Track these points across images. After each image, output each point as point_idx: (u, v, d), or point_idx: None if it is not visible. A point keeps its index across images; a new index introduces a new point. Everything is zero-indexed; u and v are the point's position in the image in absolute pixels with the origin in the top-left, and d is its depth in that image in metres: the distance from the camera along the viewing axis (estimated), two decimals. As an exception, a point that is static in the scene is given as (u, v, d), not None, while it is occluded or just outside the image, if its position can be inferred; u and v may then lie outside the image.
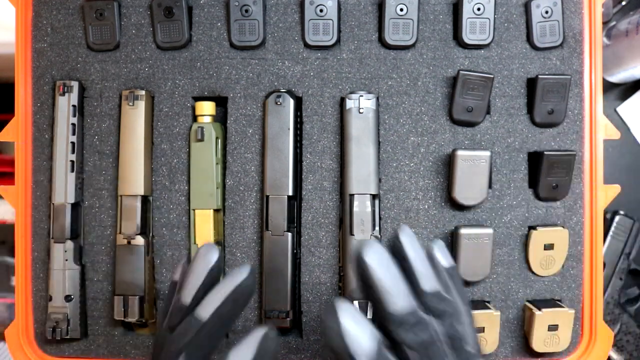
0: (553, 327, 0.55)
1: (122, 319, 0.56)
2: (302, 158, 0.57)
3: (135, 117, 0.56)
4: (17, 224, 0.58)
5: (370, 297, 0.38)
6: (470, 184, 0.55)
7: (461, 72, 0.55)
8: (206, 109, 0.57)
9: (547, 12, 0.56)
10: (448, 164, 0.56)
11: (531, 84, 0.57)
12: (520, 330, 0.58)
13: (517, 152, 0.57)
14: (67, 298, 0.56)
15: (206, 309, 0.41)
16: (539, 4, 0.56)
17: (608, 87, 0.76)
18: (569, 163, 0.56)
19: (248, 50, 0.58)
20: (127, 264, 0.56)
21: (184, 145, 0.58)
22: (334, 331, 0.36)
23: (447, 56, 0.57)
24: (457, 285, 0.42)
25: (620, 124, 0.76)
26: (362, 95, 0.56)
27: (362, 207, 0.55)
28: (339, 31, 0.57)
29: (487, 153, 0.54)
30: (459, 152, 0.54)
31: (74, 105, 0.57)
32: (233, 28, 0.57)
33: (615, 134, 0.57)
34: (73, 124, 0.57)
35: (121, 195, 0.56)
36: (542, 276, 0.57)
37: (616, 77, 0.74)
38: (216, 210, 0.57)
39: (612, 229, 0.73)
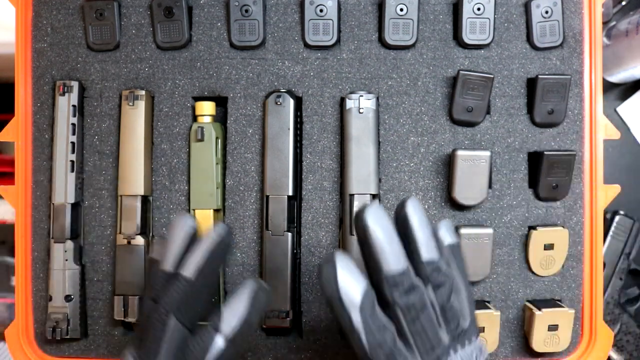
0: (553, 327, 0.55)
1: (122, 319, 0.56)
2: (302, 158, 0.57)
3: (135, 117, 0.56)
4: (17, 224, 0.58)
5: (366, 257, 0.39)
6: (470, 184, 0.55)
7: (461, 72, 0.55)
8: (206, 109, 0.57)
9: (547, 12, 0.56)
10: (448, 164, 0.56)
11: (531, 84, 0.57)
12: (520, 330, 0.58)
13: (517, 152, 0.57)
14: (67, 298, 0.56)
15: (190, 269, 0.42)
16: (539, 4, 0.56)
17: (608, 87, 0.76)
18: (569, 163, 0.56)
19: (248, 50, 0.58)
20: (127, 264, 0.56)
21: (184, 145, 0.58)
22: (329, 280, 0.37)
23: (447, 56, 0.57)
24: (458, 262, 0.42)
25: (620, 124, 0.76)
26: (362, 95, 0.56)
27: (362, 207, 0.55)
28: (339, 31, 0.57)
29: (487, 153, 0.54)
30: (459, 152, 0.54)
31: (74, 105, 0.57)
32: (233, 28, 0.57)
33: (615, 134, 0.57)
34: (73, 124, 0.57)
35: (121, 195, 0.56)
36: (542, 276, 0.57)
37: (616, 77, 0.74)
38: (216, 210, 0.57)
39: (612, 229, 0.73)
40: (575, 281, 0.58)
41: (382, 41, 0.57)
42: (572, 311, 0.56)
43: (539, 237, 0.56)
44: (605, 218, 0.72)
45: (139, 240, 0.56)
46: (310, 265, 0.57)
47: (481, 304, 0.57)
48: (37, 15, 0.58)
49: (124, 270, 0.56)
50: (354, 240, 0.55)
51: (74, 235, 0.57)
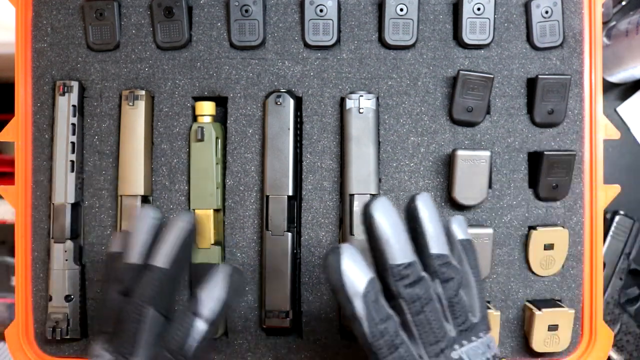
0: (553, 327, 0.55)
1: (122, 319, 0.56)
2: (302, 158, 0.57)
3: (135, 117, 0.56)
4: (17, 224, 0.58)
5: (373, 249, 0.40)
6: (470, 184, 0.55)
7: (461, 72, 0.55)
8: (206, 109, 0.57)
9: (547, 12, 0.56)
10: (448, 164, 0.56)
11: (531, 84, 0.57)
12: (520, 330, 0.58)
13: (517, 152, 0.57)
14: (67, 298, 0.56)
15: (163, 258, 0.42)
16: (539, 4, 0.56)
17: (608, 87, 0.76)
18: (569, 163, 0.56)
19: (248, 50, 0.58)
20: (127, 264, 0.56)
21: (184, 145, 0.58)
22: (334, 269, 0.38)
23: (447, 56, 0.57)
24: (470, 258, 0.42)
25: (620, 124, 0.76)
26: (362, 95, 0.56)
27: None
28: (339, 31, 0.57)
29: (487, 153, 0.54)
30: (459, 152, 0.54)
31: (74, 105, 0.57)
32: (233, 28, 0.57)
33: (615, 134, 0.57)
34: (73, 124, 0.57)
35: (121, 195, 0.56)
36: (542, 276, 0.57)
37: (616, 77, 0.74)
38: (216, 210, 0.57)
39: (612, 229, 0.73)
40: (575, 281, 0.58)
41: (382, 41, 0.57)
42: (572, 311, 0.56)
43: (539, 237, 0.56)
44: (605, 218, 0.72)
45: (139, 240, 0.56)
46: (310, 265, 0.57)
47: (481, 304, 0.57)
48: (37, 15, 0.58)
49: (124, 270, 0.56)
50: (354, 240, 0.55)
51: (74, 235, 0.57)
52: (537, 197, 0.57)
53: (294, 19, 0.57)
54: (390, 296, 0.39)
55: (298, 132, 0.58)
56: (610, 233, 0.73)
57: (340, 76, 0.57)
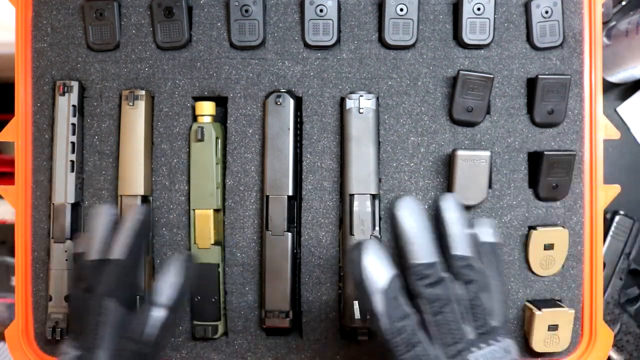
0: (553, 327, 0.55)
1: (122, 319, 0.56)
2: (302, 158, 0.57)
3: (135, 117, 0.56)
4: (17, 224, 0.58)
5: (398, 248, 0.40)
6: (470, 184, 0.55)
7: (461, 72, 0.55)
8: (206, 109, 0.57)
9: (547, 12, 0.56)
10: (448, 164, 0.56)
11: (531, 84, 0.57)
12: (520, 330, 0.58)
13: (517, 152, 0.57)
14: (67, 298, 0.56)
15: (118, 250, 0.45)
16: (539, 4, 0.56)
17: (608, 87, 0.76)
18: (569, 163, 0.56)
19: (248, 50, 0.58)
20: (127, 264, 0.56)
21: (184, 145, 0.58)
22: (356, 263, 0.39)
23: (447, 56, 0.57)
24: (494, 262, 0.42)
25: (620, 124, 0.76)
26: (362, 95, 0.56)
27: (362, 207, 0.55)
28: (339, 31, 0.57)
29: (487, 153, 0.54)
30: (459, 152, 0.54)
31: (74, 105, 0.57)
32: (233, 28, 0.57)
33: (615, 134, 0.57)
34: (73, 124, 0.57)
35: (121, 195, 0.56)
36: (542, 276, 0.57)
37: (616, 77, 0.74)
38: (216, 210, 0.57)
39: (612, 229, 0.73)
40: (575, 281, 0.58)
41: (382, 41, 0.57)
42: (572, 311, 0.56)
43: (539, 237, 0.56)
44: (605, 218, 0.72)
45: (139, 240, 0.56)
46: (310, 265, 0.57)
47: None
48: (37, 15, 0.58)
49: (124, 270, 0.56)
50: (354, 240, 0.55)
51: (74, 236, 0.57)
52: (537, 197, 0.57)
53: (294, 19, 0.57)
54: (412, 294, 0.39)
55: (298, 132, 0.58)
56: (610, 233, 0.73)
57: (340, 76, 0.57)
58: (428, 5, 0.57)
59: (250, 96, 0.57)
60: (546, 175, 0.56)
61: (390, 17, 0.56)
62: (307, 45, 0.57)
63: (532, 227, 0.57)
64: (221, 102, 0.59)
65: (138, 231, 0.46)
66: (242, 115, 0.58)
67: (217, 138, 0.57)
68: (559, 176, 0.56)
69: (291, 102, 0.56)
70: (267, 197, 0.56)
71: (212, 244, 0.56)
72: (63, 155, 0.56)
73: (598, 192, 0.57)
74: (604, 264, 0.72)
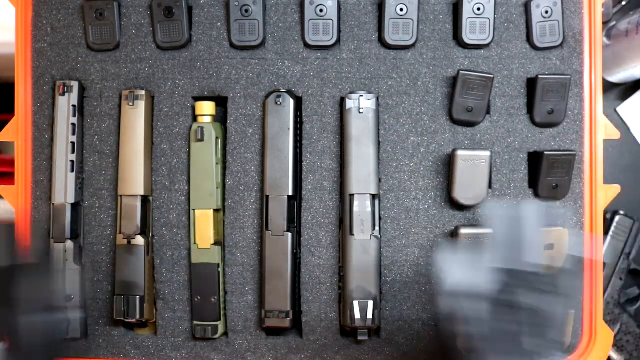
0: (553, 327, 0.55)
1: (122, 319, 0.56)
2: (302, 158, 0.57)
3: (135, 117, 0.56)
4: (17, 224, 0.58)
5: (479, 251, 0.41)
6: (470, 184, 0.55)
7: (461, 72, 0.55)
8: (206, 109, 0.57)
9: (547, 12, 0.56)
10: (448, 164, 0.56)
11: (531, 84, 0.57)
12: (520, 330, 0.58)
13: (517, 152, 0.57)
14: (67, 298, 0.56)
15: None
16: (539, 4, 0.56)
17: (608, 87, 0.76)
18: (569, 163, 0.56)
19: (248, 50, 0.58)
20: (127, 264, 0.56)
21: (184, 145, 0.58)
22: (437, 266, 0.41)
23: (447, 56, 0.57)
24: (569, 275, 0.43)
25: (620, 124, 0.76)
26: (362, 95, 0.56)
27: (362, 207, 0.55)
28: (339, 31, 0.57)
29: (487, 153, 0.54)
30: (459, 152, 0.54)
31: (74, 105, 0.57)
32: (233, 28, 0.57)
33: (615, 134, 0.57)
34: (73, 124, 0.57)
35: (121, 195, 0.56)
36: (542, 276, 0.57)
37: (616, 77, 0.74)
38: (216, 210, 0.57)
39: (612, 229, 0.73)
40: (575, 281, 0.58)
41: (382, 41, 0.57)
42: (572, 311, 0.56)
43: (539, 237, 0.56)
44: (605, 218, 0.72)
45: (139, 240, 0.56)
46: (310, 265, 0.57)
47: (481, 304, 0.57)
48: (37, 15, 0.58)
49: (124, 270, 0.56)
50: (354, 241, 0.55)
51: (74, 235, 0.57)
52: (537, 197, 0.57)
53: (294, 19, 0.57)
54: (481, 298, 0.39)
55: (298, 132, 0.58)
56: (610, 233, 0.73)
57: (340, 76, 0.57)
58: (428, 5, 0.57)
59: (250, 96, 0.57)
60: (546, 175, 0.56)
61: (390, 17, 0.56)
62: (307, 45, 0.57)
63: (532, 227, 0.57)
64: (221, 102, 0.59)
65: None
66: (242, 115, 0.58)
67: (217, 138, 0.57)
68: (559, 176, 0.56)
69: (291, 102, 0.56)
70: (267, 197, 0.56)
71: (212, 244, 0.56)
72: (63, 155, 0.56)
73: (598, 192, 0.57)
74: (604, 264, 0.72)
